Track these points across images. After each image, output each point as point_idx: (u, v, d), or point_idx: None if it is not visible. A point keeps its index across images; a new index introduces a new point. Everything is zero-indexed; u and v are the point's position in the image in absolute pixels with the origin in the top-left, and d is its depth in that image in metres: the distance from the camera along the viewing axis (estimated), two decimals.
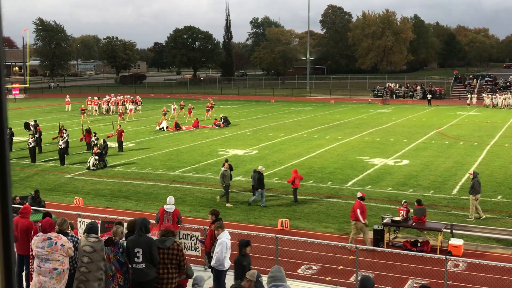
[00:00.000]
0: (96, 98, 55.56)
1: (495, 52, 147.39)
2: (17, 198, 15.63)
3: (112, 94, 59.08)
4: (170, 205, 13.56)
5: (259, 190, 19.54)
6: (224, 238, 10.66)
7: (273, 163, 27.25)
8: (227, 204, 19.64)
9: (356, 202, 15.50)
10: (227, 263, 10.67)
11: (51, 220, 9.44)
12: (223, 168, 19.88)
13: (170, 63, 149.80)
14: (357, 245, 12.20)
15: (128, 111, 49.86)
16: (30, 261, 9.58)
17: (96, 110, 53.55)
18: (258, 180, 19.38)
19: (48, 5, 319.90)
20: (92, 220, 12.57)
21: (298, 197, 20.34)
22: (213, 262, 10.70)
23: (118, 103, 53.15)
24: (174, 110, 48.23)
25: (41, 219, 13.60)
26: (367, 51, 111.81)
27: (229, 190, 21.33)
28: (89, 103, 54.43)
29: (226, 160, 20.79)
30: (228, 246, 10.76)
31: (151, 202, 20.45)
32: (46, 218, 9.75)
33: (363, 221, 15.21)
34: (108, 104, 54.42)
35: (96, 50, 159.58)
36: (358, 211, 15.15)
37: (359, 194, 15.94)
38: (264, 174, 21.27)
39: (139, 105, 55.75)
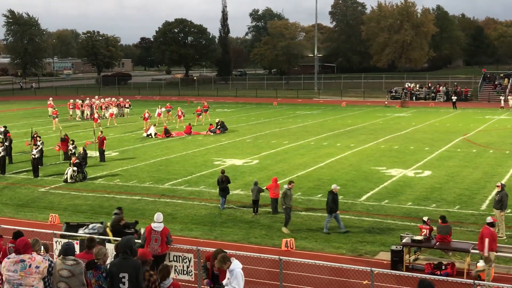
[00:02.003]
0: (78, 101, 55.26)
1: None
2: (123, 221, 16.34)
3: (96, 97, 59.10)
4: (158, 223, 13.54)
5: (335, 213, 18.59)
6: (238, 269, 10.41)
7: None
8: (284, 230, 18.71)
9: (485, 229, 14.76)
10: None
11: (26, 240, 9.36)
12: (285, 187, 19.36)
13: (158, 61, 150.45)
14: (372, 268, 12.16)
15: (108, 116, 49.67)
16: None
17: (78, 116, 53.24)
18: (333, 201, 18.57)
19: None
20: (69, 241, 12.48)
21: (304, 213, 20.57)
22: None
23: (101, 107, 53.14)
24: (159, 115, 47.84)
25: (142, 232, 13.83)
26: (383, 46, 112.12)
27: (230, 206, 21.36)
28: (71, 107, 54.22)
29: (291, 182, 19.90)
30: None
31: (137, 219, 20.40)
32: (20, 237, 9.70)
33: (495, 253, 14.63)
34: (91, 108, 54.20)
35: (75, 46, 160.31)
36: (487, 240, 14.45)
37: (489, 219, 15.19)
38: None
39: (128, 108, 55.60)
